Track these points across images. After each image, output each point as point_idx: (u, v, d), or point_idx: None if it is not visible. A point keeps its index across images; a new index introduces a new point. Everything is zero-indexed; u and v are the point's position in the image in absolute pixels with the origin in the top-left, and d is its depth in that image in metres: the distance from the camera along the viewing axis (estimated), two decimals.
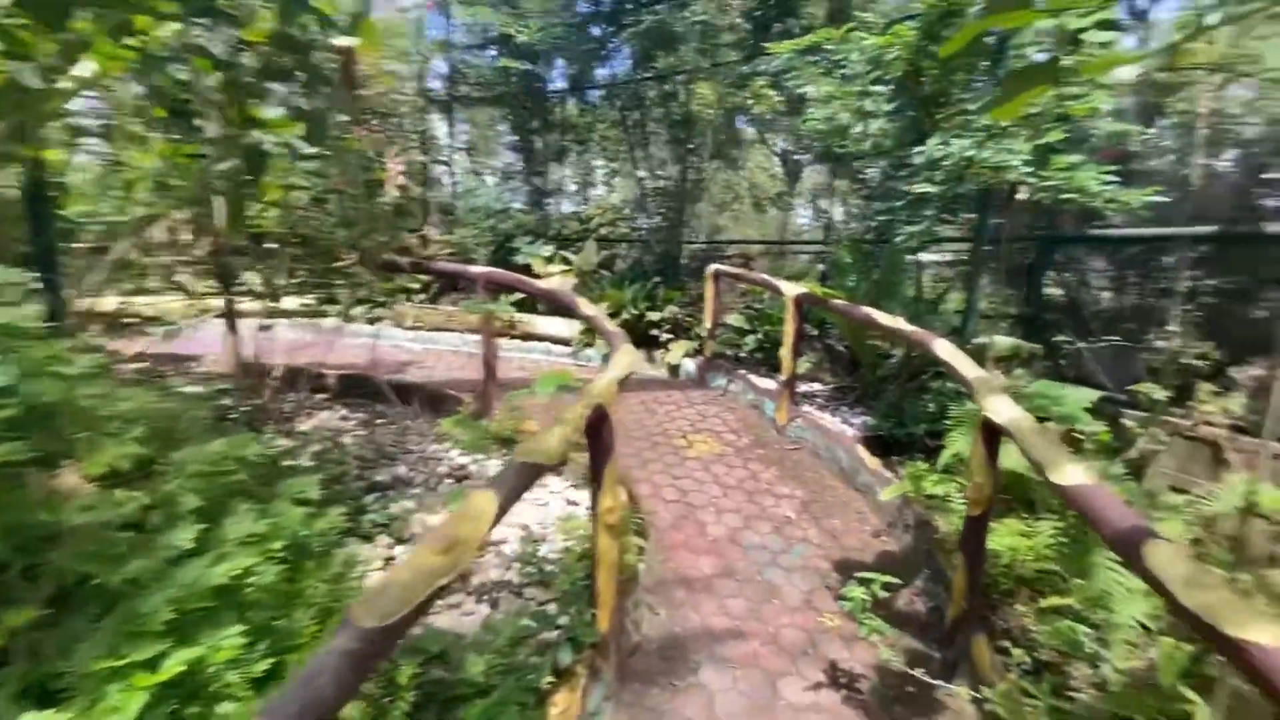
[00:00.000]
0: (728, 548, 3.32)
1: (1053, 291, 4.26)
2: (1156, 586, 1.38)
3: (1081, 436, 3.47)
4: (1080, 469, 1.79)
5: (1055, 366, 4.19)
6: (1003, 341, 4.21)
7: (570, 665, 2.10)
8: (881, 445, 4.09)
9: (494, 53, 7.72)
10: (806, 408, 4.78)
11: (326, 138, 2.15)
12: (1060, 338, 3.94)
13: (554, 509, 3.21)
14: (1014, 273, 4.52)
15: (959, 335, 4.35)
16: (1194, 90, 3.52)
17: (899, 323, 3.50)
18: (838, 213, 8.09)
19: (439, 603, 2.51)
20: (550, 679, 1.99)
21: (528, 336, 6.82)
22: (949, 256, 5.92)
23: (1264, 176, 3.38)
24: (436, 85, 8.63)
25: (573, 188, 10.59)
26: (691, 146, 7.03)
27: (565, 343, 6.53)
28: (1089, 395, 3.49)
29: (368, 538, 2.63)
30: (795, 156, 9.47)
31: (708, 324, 5.79)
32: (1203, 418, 3.16)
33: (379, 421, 4.04)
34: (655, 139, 7.81)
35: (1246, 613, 1.18)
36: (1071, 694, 2.32)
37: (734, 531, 3.47)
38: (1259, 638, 1.13)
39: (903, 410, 4.13)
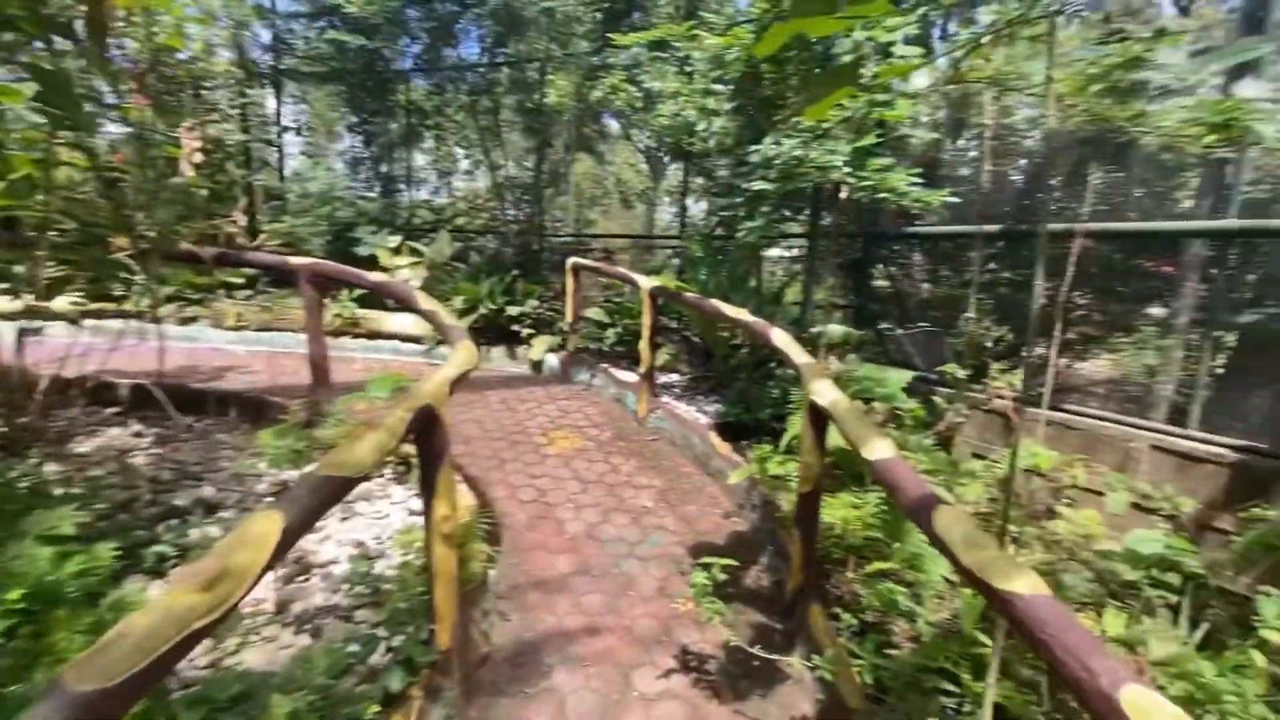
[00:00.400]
0: (585, 544, 3.28)
1: (880, 283, 4.68)
2: (942, 548, 1.52)
3: (901, 413, 3.85)
4: (886, 445, 1.95)
5: (882, 351, 4.61)
6: (836, 330, 4.56)
7: (403, 690, 1.94)
8: (732, 431, 4.26)
9: (324, 23, 7.04)
10: (665, 398, 4.88)
11: (71, 104, 1.76)
12: (884, 325, 4.34)
13: (395, 521, 2.98)
14: (845, 266, 4.91)
15: (799, 325, 4.65)
16: (983, 103, 4.02)
17: (743, 314, 3.65)
18: (694, 209, 8.36)
19: (254, 638, 2.22)
20: (377, 709, 1.82)
21: (374, 334, 6.33)
22: (793, 251, 6.34)
23: (1041, 182, 3.94)
24: (264, 57, 7.72)
25: (431, 176, 10.02)
26: (548, 137, 6.89)
27: (417, 340, 6.14)
28: (905, 376, 3.88)
29: (157, 573, 2.26)
30: (659, 153, 9.67)
31: (569, 318, 5.72)
32: (994, 392, 3.62)
33: (184, 437, 3.52)
34: (511, 128, 7.58)
35: (1010, 568, 1.32)
36: (892, 649, 2.55)
37: (592, 526, 3.43)
38: (1019, 588, 1.27)
39: (750, 397, 4.34)
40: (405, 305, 3.14)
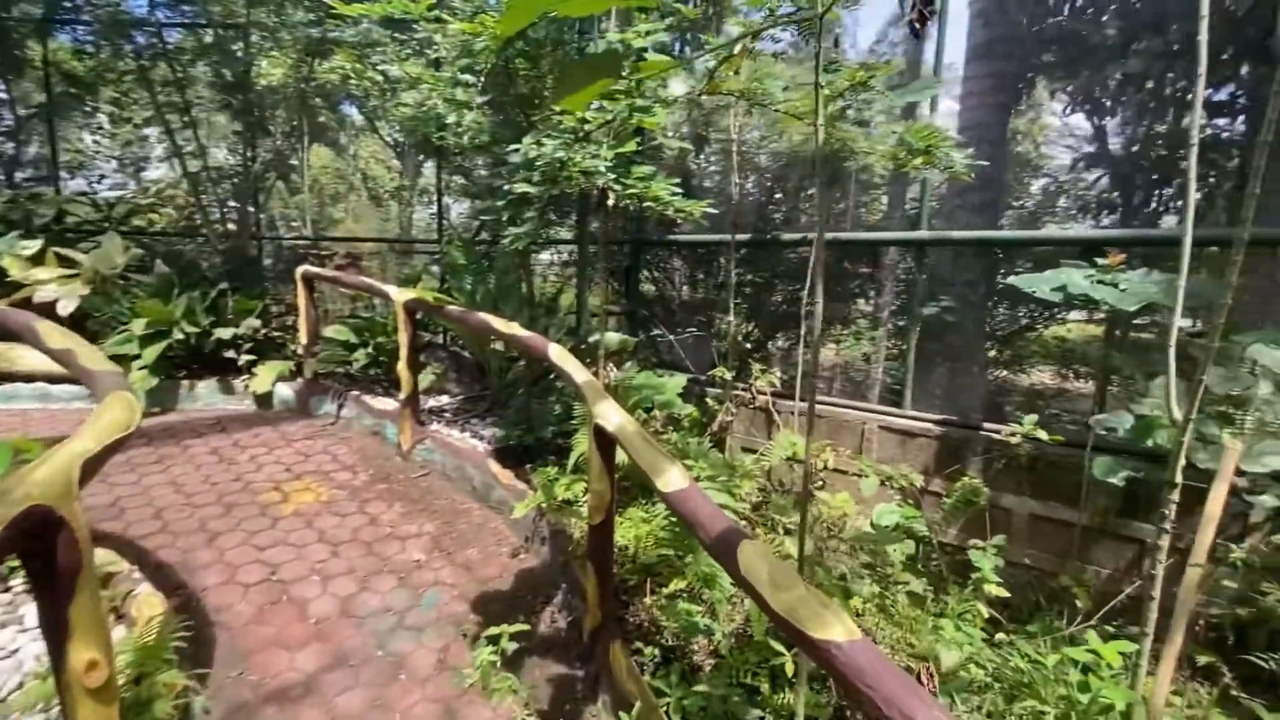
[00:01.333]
0: (338, 626, 2.64)
1: (648, 289, 4.72)
2: (749, 590, 1.39)
3: (679, 417, 3.89)
4: (679, 474, 1.80)
5: (656, 356, 4.66)
6: (612, 337, 4.48)
7: None
8: (514, 456, 3.91)
9: None
10: (435, 425, 4.31)
11: None
12: (657, 331, 4.37)
13: (26, 659, 2.04)
14: (615, 272, 4.87)
15: (575, 334, 4.47)
16: (729, 118, 4.27)
17: (515, 328, 3.32)
18: (455, 210, 7.75)
19: None
20: None
21: (7, 376, 4.56)
22: (564, 256, 6.18)
23: (775, 196, 4.31)
24: None
25: (108, 162, 7.73)
26: (263, 121, 5.68)
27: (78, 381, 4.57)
28: (680, 381, 3.93)
29: None
30: (409, 148, 8.75)
31: (304, 339, 4.77)
32: (757, 390, 3.84)
33: None
34: (213, 107, 6.12)
35: (823, 611, 1.22)
36: (697, 670, 2.47)
37: (347, 601, 2.80)
38: (836, 635, 1.16)
39: (532, 415, 4.03)
40: (22, 340, 2.16)
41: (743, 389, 4.14)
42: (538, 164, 3.10)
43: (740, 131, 3.80)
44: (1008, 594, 2.65)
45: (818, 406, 4.00)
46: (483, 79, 3.85)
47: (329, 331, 4.62)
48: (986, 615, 2.61)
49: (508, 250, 3.52)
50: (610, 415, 2.24)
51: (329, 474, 3.93)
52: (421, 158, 7.29)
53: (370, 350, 4.55)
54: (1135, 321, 5.50)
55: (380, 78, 5.10)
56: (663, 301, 4.74)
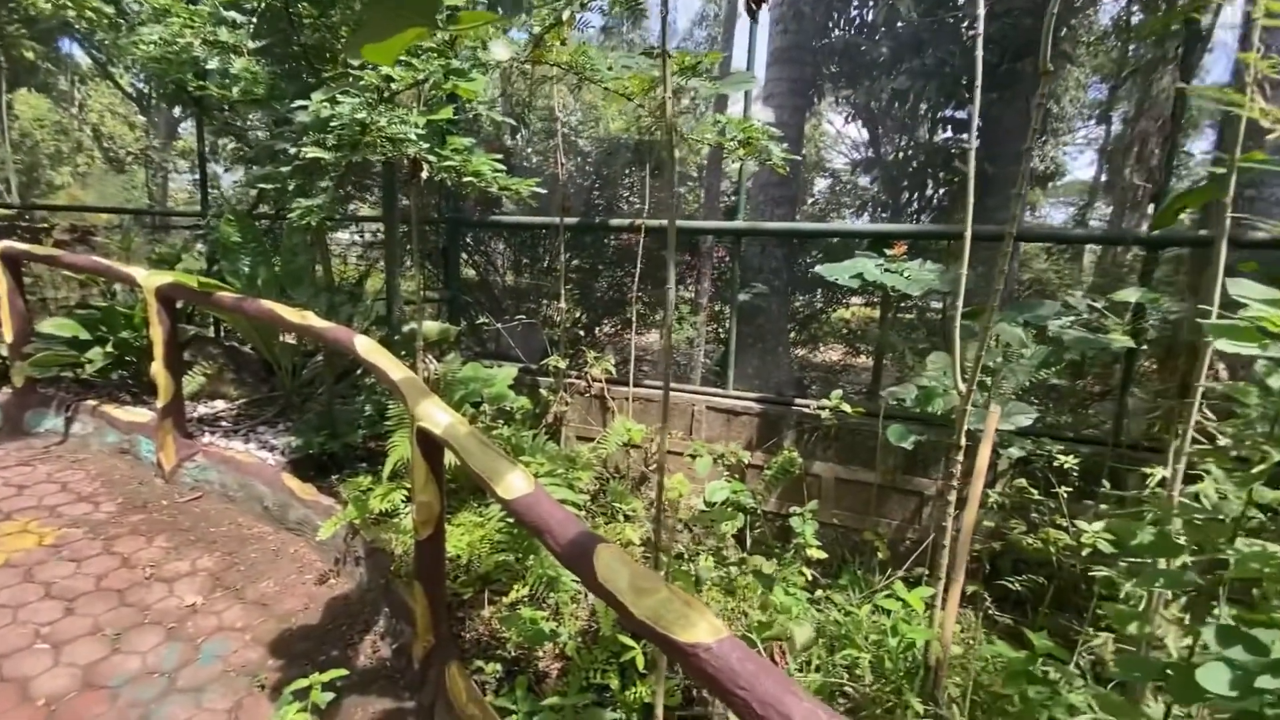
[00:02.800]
0: (82, 702, 2.05)
1: (470, 273, 4.38)
2: (609, 599, 1.29)
3: (510, 409, 3.68)
4: (522, 477, 1.63)
5: (481, 346, 4.36)
6: (431, 327, 4.09)
7: None
8: (316, 466, 3.39)
9: None
10: (209, 437, 3.57)
11: None
12: (482, 319, 4.08)
13: None
14: (432, 255, 4.46)
15: (387, 324, 4.01)
16: (550, 98, 4.08)
17: (309, 318, 2.84)
18: (227, 180, 6.56)
19: None
20: None
21: None
22: (367, 236, 5.51)
23: (597, 182, 4.24)
24: None
25: None
26: None
27: None
28: (510, 373, 3.71)
29: None
30: (156, 100, 7.16)
31: (8, 336, 3.64)
32: (591, 377, 3.76)
33: None
34: None
35: (687, 611, 1.16)
36: (545, 678, 2.34)
37: (91, 669, 2.18)
38: (703, 636, 1.11)
39: (336, 418, 3.52)
40: None
41: (576, 377, 4.05)
42: (332, 125, 2.65)
43: (562, 113, 3.65)
44: (824, 555, 2.91)
45: (645, 391, 4.05)
46: (254, 21, 3.21)
47: (47, 326, 3.56)
48: (809, 577, 2.83)
49: (297, 226, 2.98)
50: (436, 416, 1.98)
51: (56, 509, 3.06)
52: (177, 112, 5.98)
53: (111, 349, 3.60)
54: (901, 305, 6.46)
55: (109, 7, 4.05)
56: (486, 287, 4.45)
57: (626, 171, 4.53)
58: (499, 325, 4.02)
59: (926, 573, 3.35)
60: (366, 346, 2.54)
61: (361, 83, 2.49)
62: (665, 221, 3.97)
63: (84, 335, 3.57)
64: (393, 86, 2.48)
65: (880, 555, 3.11)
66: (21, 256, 3.55)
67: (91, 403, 3.72)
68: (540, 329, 4.09)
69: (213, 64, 2.97)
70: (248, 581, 2.75)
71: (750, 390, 4.00)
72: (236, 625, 2.49)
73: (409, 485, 3.14)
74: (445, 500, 2.19)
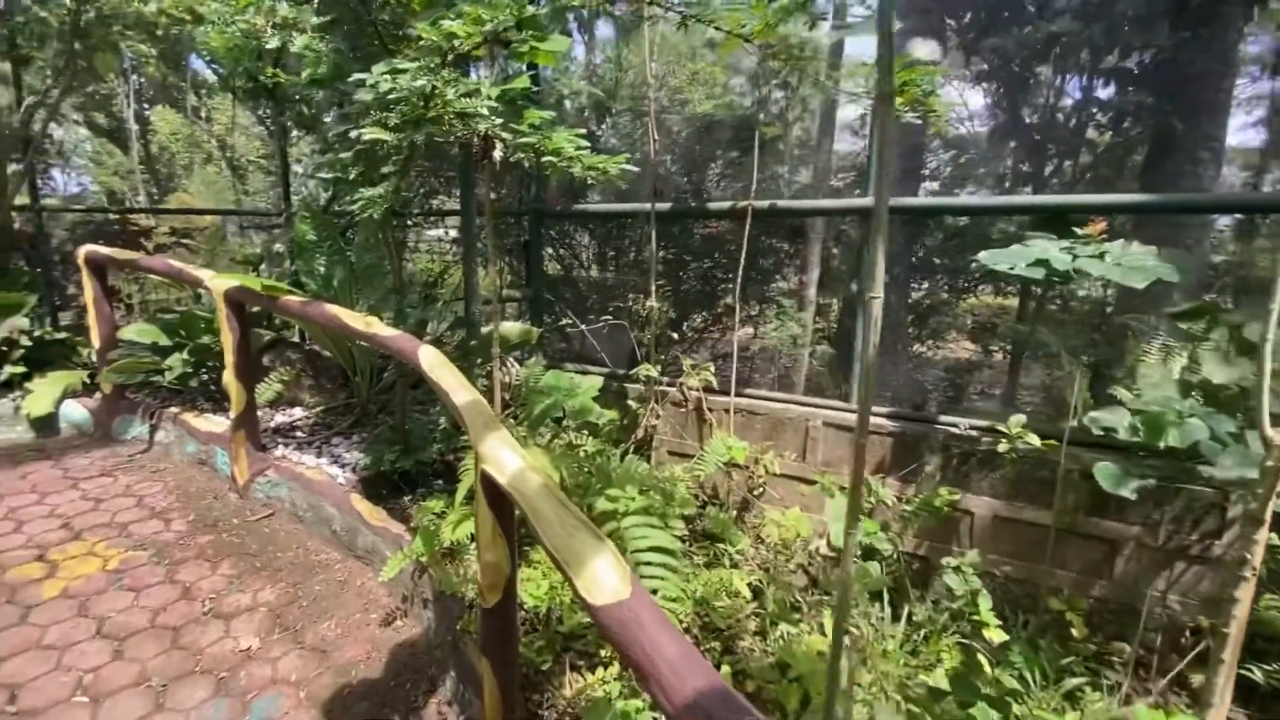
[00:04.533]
0: None
1: (553, 268, 3.97)
2: None
3: (597, 425, 3.22)
4: (611, 568, 1.13)
5: (564, 349, 3.94)
6: (512, 328, 3.72)
7: None
8: (389, 485, 3.08)
9: None
10: (282, 450, 3.37)
11: None
12: (566, 321, 3.65)
13: None
14: (514, 250, 4.08)
15: (466, 325, 3.67)
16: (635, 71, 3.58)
17: (374, 325, 2.49)
18: (311, 174, 6.53)
19: None
20: None
21: None
22: (455, 233, 5.25)
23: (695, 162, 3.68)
24: None
25: None
26: (14, 44, 4.22)
27: None
28: (595, 384, 3.26)
29: None
30: (242, 93, 7.28)
31: (96, 343, 3.60)
32: (688, 388, 3.24)
33: None
34: None
35: None
36: None
37: None
38: None
39: (410, 432, 3.21)
40: None
41: (668, 384, 3.53)
42: (393, 101, 2.26)
43: (653, 83, 3.12)
44: (1004, 636, 2.24)
45: (748, 401, 3.47)
46: None
47: (128, 333, 3.49)
48: (983, 662, 2.18)
49: (370, 221, 2.65)
50: (502, 458, 1.53)
51: (128, 526, 2.92)
52: (257, 109, 5.98)
53: (189, 355, 3.48)
54: (1047, 295, 5.45)
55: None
56: (570, 283, 4.02)
57: (717, 154, 3.94)
58: (583, 327, 3.57)
59: (1125, 649, 2.60)
60: (432, 360, 2.14)
61: (421, 43, 2.07)
62: (771, 202, 3.37)
63: (164, 341, 3.47)
64: (456, 45, 2.04)
65: (1076, 632, 2.39)
66: (106, 261, 3.48)
67: (174, 410, 3.62)
68: (627, 330, 3.60)
69: (273, 43, 2.67)
70: (309, 621, 2.45)
71: (878, 403, 3.33)
72: (291, 678, 2.17)
73: (477, 553, 2.77)
74: (516, 559, 1.74)
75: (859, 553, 2.73)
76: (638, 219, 3.69)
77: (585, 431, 3.22)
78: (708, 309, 3.81)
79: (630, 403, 3.63)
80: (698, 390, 3.30)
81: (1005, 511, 2.90)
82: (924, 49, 3.90)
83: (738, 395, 3.43)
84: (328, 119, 3.63)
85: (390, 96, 2.15)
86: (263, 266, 4.15)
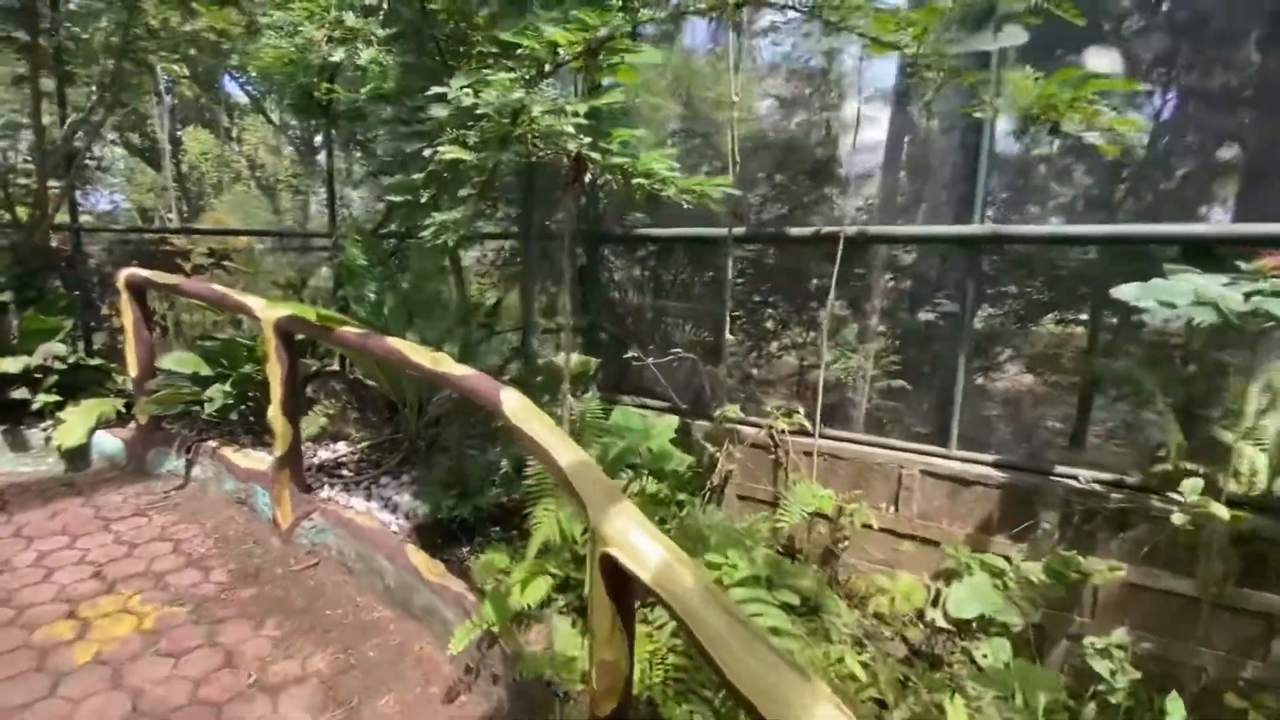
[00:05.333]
0: None
1: (611, 294, 3.72)
2: None
3: (677, 473, 2.93)
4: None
5: (624, 381, 3.68)
6: (572, 361, 3.47)
7: None
8: (445, 534, 2.82)
9: None
10: (328, 491, 3.11)
11: None
12: (632, 353, 3.38)
13: None
14: (571, 276, 3.84)
15: (522, 356, 3.42)
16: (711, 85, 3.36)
17: (443, 363, 2.24)
18: (355, 195, 6.40)
19: None
20: None
21: None
22: (493, 255, 5.04)
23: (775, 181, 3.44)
24: None
25: None
26: (61, 59, 4.09)
27: None
28: (671, 424, 2.99)
29: None
30: (290, 121, 7.21)
31: (133, 370, 3.40)
32: (776, 433, 2.96)
33: None
34: None
35: None
36: None
37: None
38: None
39: (466, 472, 2.94)
40: None
41: (739, 422, 3.25)
42: (477, 116, 2.04)
43: (736, 99, 2.88)
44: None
45: (831, 443, 3.17)
46: (385, 6, 2.71)
47: (168, 361, 3.28)
48: None
49: (431, 247, 2.41)
50: (639, 545, 1.25)
51: (164, 577, 2.67)
52: (302, 129, 5.85)
53: (230, 386, 3.26)
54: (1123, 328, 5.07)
55: (240, 16, 3.78)
56: (627, 310, 3.77)
57: (775, 176, 3.67)
58: (649, 360, 3.31)
59: None
60: (518, 408, 1.88)
61: (519, 51, 1.85)
62: (860, 229, 3.10)
63: (205, 371, 3.26)
64: (559, 55, 1.81)
65: None
66: (146, 285, 3.29)
67: (212, 444, 3.39)
68: (696, 362, 3.33)
69: (337, 55, 2.48)
70: (364, 695, 2.17)
71: (980, 448, 3.00)
72: None
73: (559, 569, 2.49)
74: (632, 661, 1.45)
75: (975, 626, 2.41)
76: (714, 244, 3.44)
77: (657, 480, 2.94)
78: (777, 339, 3.54)
79: (700, 441, 3.35)
80: (784, 431, 3.01)
81: (1136, 578, 2.56)
82: (1102, 60, 3.64)
83: (822, 436, 3.13)
84: (380, 134, 3.44)
85: (478, 112, 1.92)
86: (305, 291, 3.96)
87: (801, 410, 2.96)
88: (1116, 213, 5.75)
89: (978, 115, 1.74)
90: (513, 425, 1.88)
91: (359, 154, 3.99)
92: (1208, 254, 2.50)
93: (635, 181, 2.24)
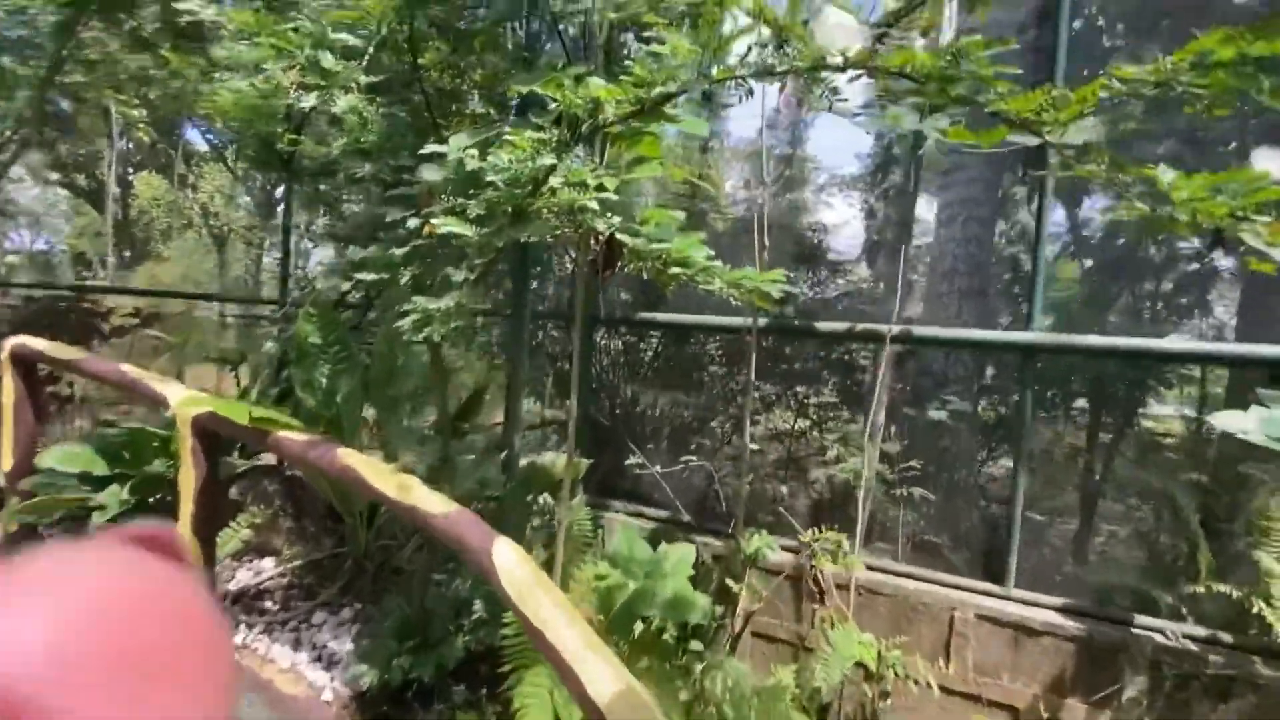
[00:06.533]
0: None
1: (610, 384, 3.25)
2: None
3: (701, 626, 2.38)
4: None
5: (617, 484, 3.16)
6: (554, 461, 2.94)
7: None
8: (396, 698, 2.17)
9: None
10: (244, 633, 2.43)
11: None
12: (633, 460, 2.88)
13: None
14: (557, 361, 3.37)
15: (503, 455, 2.88)
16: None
17: (414, 492, 1.70)
18: (318, 254, 5.86)
19: None
20: None
21: None
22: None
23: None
24: None
25: None
26: None
27: None
28: (689, 556, 2.46)
29: None
30: (248, 165, 6.69)
31: (6, 462, 2.69)
32: (820, 579, 2.46)
33: None
34: None
35: None
36: None
37: None
38: None
39: (428, 614, 2.32)
40: None
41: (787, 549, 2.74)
42: (481, 185, 1.60)
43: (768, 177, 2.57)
44: None
45: (870, 575, 2.69)
46: (371, 50, 2.31)
47: (50, 458, 2.58)
48: None
49: (399, 333, 1.88)
50: None
51: None
52: (270, 182, 5.35)
53: (130, 492, 2.56)
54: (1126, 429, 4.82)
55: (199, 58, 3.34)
56: (625, 404, 3.30)
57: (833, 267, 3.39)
58: (655, 469, 2.81)
59: None
60: (517, 572, 1.35)
61: (552, 107, 1.43)
62: (906, 328, 2.74)
63: (99, 469, 2.59)
64: (607, 114, 1.40)
65: None
66: (36, 359, 2.65)
67: None
68: (715, 476, 2.85)
69: (308, 102, 2.03)
70: None
71: (1043, 589, 2.57)
72: None
73: None
74: None
75: None
76: (721, 332, 3.04)
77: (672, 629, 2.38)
78: (806, 444, 3.11)
79: (710, 564, 2.82)
80: (823, 574, 2.52)
81: None
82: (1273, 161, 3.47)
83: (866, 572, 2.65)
84: (352, 196, 2.98)
85: (488, 179, 1.48)
86: (243, 367, 3.35)
87: (844, 538, 2.49)
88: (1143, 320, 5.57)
89: (1123, 217, 1.39)
90: (508, 597, 1.34)
91: (325, 215, 3.50)
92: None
93: (672, 271, 1.82)
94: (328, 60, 2.09)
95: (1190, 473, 4.46)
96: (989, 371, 4.31)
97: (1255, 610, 2.66)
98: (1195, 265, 4.76)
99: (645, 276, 1.85)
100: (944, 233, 4.97)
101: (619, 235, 1.64)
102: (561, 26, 2.68)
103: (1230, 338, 4.75)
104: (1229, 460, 4.20)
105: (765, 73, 1.31)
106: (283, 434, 2.02)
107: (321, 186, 3.04)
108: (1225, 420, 2.05)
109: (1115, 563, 4.15)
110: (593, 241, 1.68)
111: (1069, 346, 2.44)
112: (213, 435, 2.21)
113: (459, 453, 2.22)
